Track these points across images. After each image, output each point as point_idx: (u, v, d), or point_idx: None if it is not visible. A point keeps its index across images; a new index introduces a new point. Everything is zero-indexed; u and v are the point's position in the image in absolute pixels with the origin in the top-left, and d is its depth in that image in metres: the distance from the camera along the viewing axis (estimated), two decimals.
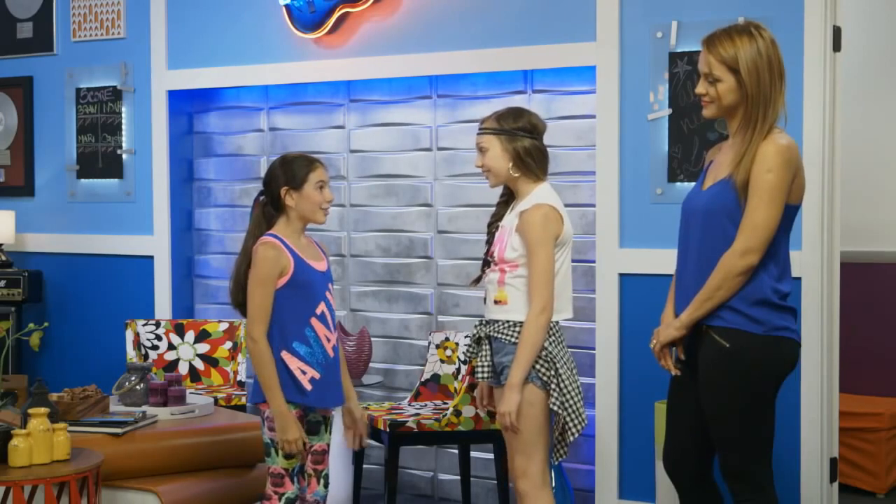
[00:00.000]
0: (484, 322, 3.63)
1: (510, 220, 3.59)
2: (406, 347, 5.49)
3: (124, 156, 6.02)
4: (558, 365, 3.50)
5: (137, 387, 4.61)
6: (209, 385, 5.47)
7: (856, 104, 5.67)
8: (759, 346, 3.25)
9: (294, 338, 3.58)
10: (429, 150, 5.42)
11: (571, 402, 3.52)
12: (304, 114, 5.74)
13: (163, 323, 5.58)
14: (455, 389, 4.91)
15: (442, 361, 4.99)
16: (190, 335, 5.57)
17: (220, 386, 5.46)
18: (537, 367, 3.48)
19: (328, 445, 3.73)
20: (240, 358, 5.49)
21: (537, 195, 3.56)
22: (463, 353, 4.92)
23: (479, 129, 3.63)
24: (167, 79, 5.89)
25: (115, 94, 6.03)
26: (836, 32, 4.47)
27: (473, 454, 5.09)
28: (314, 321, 3.60)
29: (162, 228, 5.94)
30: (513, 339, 3.51)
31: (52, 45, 6.25)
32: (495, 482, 4.79)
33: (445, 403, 4.89)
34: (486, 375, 3.60)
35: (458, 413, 4.54)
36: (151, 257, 5.97)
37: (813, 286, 4.45)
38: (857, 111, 5.69)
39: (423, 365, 5.08)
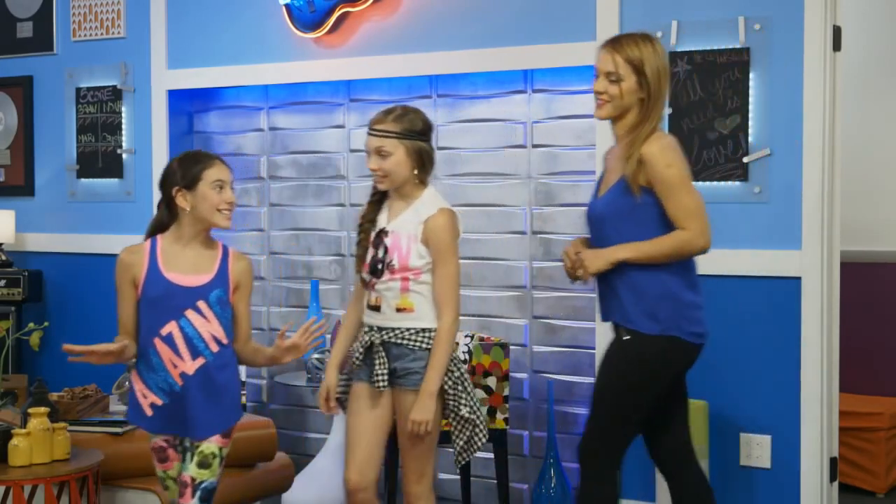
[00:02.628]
0: (376, 328, 3.51)
1: (408, 226, 3.47)
2: None
3: (124, 155, 6.02)
4: (463, 371, 3.52)
5: None
6: None
7: (856, 104, 5.67)
8: (650, 345, 3.38)
9: (140, 358, 3.31)
10: None
11: (478, 408, 3.54)
12: (304, 113, 5.74)
13: None
14: None
15: None
16: None
17: None
18: (445, 377, 3.47)
19: (191, 479, 3.30)
20: None
21: (433, 200, 3.49)
22: (462, 352, 4.91)
23: (378, 131, 3.47)
24: (167, 78, 5.89)
25: (115, 94, 6.03)
26: (836, 32, 4.46)
27: None
28: (157, 342, 3.26)
29: None
30: (423, 346, 3.46)
31: (52, 44, 6.24)
32: (495, 482, 4.79)
33: None
34: (384, 384, 3.48)
35: None
36: None
37: (813, 286, 4.44)
38: (857, 111, 5.69)
39: None
